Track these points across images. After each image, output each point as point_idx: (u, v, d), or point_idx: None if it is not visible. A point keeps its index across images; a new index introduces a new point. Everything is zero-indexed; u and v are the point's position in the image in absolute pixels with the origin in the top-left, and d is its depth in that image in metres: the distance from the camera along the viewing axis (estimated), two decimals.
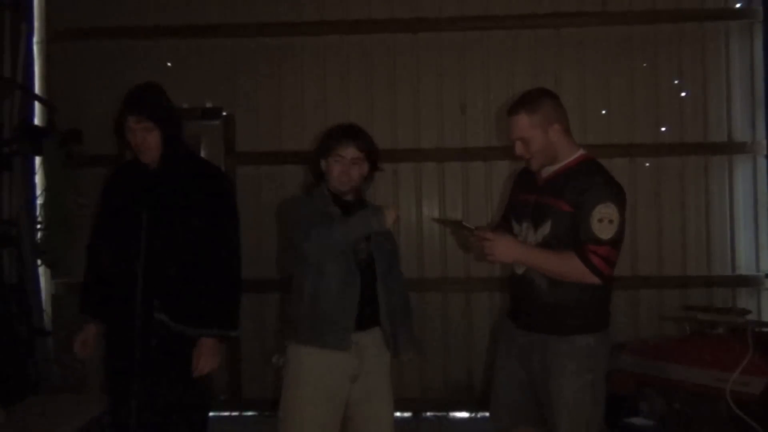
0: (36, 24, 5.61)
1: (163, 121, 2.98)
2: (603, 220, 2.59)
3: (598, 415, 2.77)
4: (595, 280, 2.63)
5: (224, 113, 5.61)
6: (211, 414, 5.47)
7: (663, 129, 5.49)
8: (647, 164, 5.50)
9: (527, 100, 2.80)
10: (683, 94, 5.51)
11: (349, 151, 2.98)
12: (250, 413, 5.51)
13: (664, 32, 5.49)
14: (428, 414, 5.43)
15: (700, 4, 5.49)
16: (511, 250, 2.71)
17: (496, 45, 5.53)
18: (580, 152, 2.81)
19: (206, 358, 2.97)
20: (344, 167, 2.98)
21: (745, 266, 5.47)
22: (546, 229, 2.71)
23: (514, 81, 5.51)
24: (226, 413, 5.52)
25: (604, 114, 5.51)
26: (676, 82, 5.51)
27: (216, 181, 3.11)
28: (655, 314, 5.39)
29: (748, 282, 5.42)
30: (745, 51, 5.49)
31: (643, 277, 5.45)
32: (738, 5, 5.49)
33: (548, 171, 2.82)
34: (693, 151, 5.44)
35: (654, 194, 5.48)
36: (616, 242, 2.63)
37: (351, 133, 3.04)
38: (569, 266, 2.63)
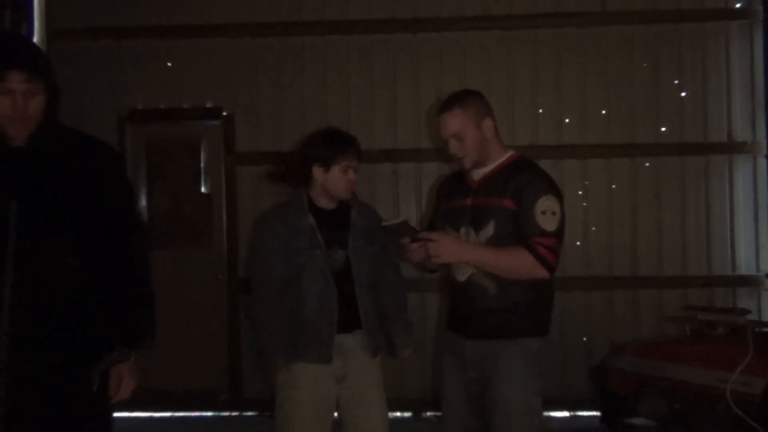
0: (36, 24, 5.61)
1: (51, 83, 2.22)
2: (546, 213, 2.59)
3: (540, 423, 2.70)
4: (544, 272, 2.60)
5: (224, 113, 5.62)
6: (210, 414, 5.54)
7: (663, 129, 5.49)
8: (647, 164, 5.50)
9: (457, 97, 2.77)
10: (683, 94, 5.51)
11: (356, 162, 2.99)
12: (250, 413, 5.50)
13: (664, 32, 5.49)
14: (428, 414, 5.43)
15: (700, 4, 5.49)
16: (458, 250, 2.64)
17: (495, 45, 5.53)
18: (511, 152, 2.79)
19: (128, 380, 2.35)
20: (351, 177, 2.97)
21: (745, 266, 5.46)
22: (489, 230, 2.66)
23: (514, 81, 5.52)
24: (226, 413, 5.53)
25: (604, 114, 5.51)
26: (676, 82, 5.51)
27: (109, 158, 2.37)
28: (655, 314, 5.40)
29: (748, 282, 5.42)
30: (745, 51, 5.49)
31: (643, 277, 5.45)
32: (738, 5, 5.49)
33: (480, 173, 2.76)
34: (693, 151, 5.45)
35: (654, 194, 5.48)
36: (559, 234, 2.62)
37: (353, 142, 3.02)
38: (519, 260, 2.58)
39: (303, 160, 3.02)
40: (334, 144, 2.99)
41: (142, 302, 2.36)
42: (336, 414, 3.05)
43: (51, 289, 2.19)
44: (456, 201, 2.82)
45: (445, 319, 2.94)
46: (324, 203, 3.02)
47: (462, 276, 2.73)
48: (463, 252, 2.65)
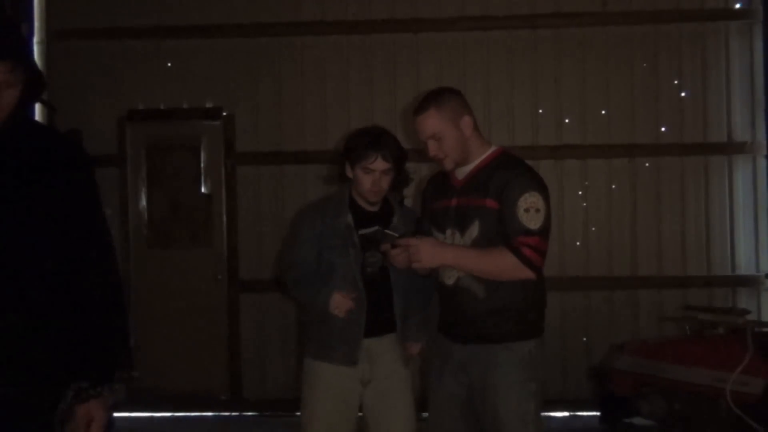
0: (36, 24, 5.62)
1: (34, 70, 1.93)
2: (530, 210, 2.48)
3: (540, 427, 2.62)
4: (529, 273, 2.50)
5: (224, 113, 5.62)
6: (211, 414, 5.54)
7: (663, 129, 5.49)
8: (647, 164, 5.50)
9: (432, 97, 2.65)
10: (683, 94, 5.51)
11: (378, 164, 2.84)
12: (250, 413, 5.50)
13: (664, 32, 5.49)
14: (427, 414, 5.43)
15: (700, 4, 5.49)
16: (438, 253, 2.55)
17: (496, 45, 5.53)
18: (493, 148, 2.69)
19: (99, 417, 1.94)
20: (375, 179, 2.86)
21: (745, 266, 5.46)
22: (474, 231, 2.57)
23: (513, 81, 5.52)
24: (226, 413, 5.52)
25: (604, 114, 5.51)
26: (676, 82, 5.51)
27: (78, 157, 2.03)
28: (655, 314, 5.39)
29: (748, 282, 5.42)
30: (745, 51, 5.49)
31: (643, 277, 5.45)
32: (738, 5, 5.49)
33: (463, 172, 2.67)
34: (693, 151, 5.45)
35: (654, 194, 5.48)
36: (544, 232, 2.51)
37: (378, 144, 2.86)
38: (501, 262, 2.49)
39: (338, 156, 3.00)
40: (357, 142, 2.89)
41: (112, 325, 1.99)
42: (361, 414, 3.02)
43: (9, 303, 1.86)
44: (441, 202, 2.74)
45: (437, 322, 2.84)
46: (363, 203, 2.96)
47: (449, 280, 2.65)
48: (442, 255, 2.56)
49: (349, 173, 2.93)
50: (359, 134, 2.95)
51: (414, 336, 3.03)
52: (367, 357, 2.91)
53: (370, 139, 2.88)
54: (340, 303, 2.80)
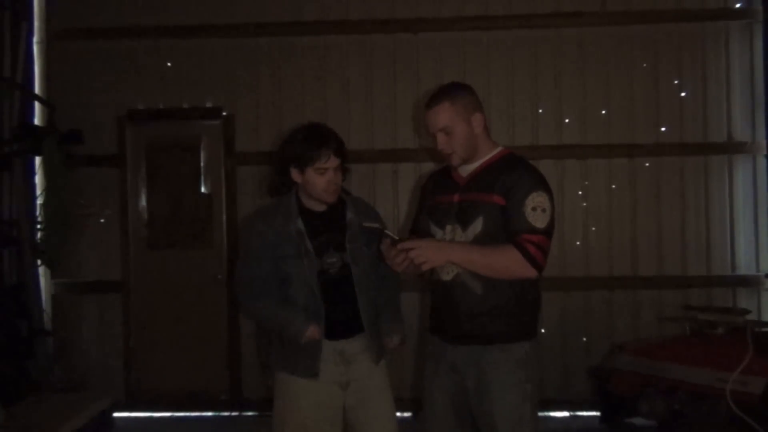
0: (36, 24, 5.62)
1: None
2: (536, 209, 2.50)
3: (536, 428, 2.62)
4: (531, 271, 2.49)
5: (224, 113, 5.62)
6: (210, 414, 5.54)
7: (663, 129, 5.49)
8: (647, 164, 5.50)
9: (447, 91, 2.66)
10: (683, 94, 5.51)
11: (332, 162, 2.76)
12: (250, 413, 5.50)
13: (664, 32, 5.49)
14: None
15: (700, 4, 5.49)
16: (442, 251, 2.53)
17: (496, 45, 5.54)
18: (500, 148, 2.70)
19: None
20: (329, 178, 2.77)
21: (745, 266, 5.46)
22: (477, 226, 2.57)
23: (514, 81, 5.52)
24: (226, 413, 5.53)
25: (604, 114, 5.51)
26: (676, 82, 5.51)
27: None
28: (655, 314, 5.39)
29: (748, 282, 5.41)
30: (745, 51, 5.49)
31: (643, 277, 5.45)
32: (738, 5, 5.49)
33: (468, 169, 2.67)
34: (693, 151, 5.45)
35: (654, 194, 5.48)
36: (548, 232, 2.52)
37: (327, 141, 2.77)
38: (506, 257, 2.48)
39: (280, 161, 2.85)
40: (305, 143, 2.76)
41: None
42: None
43: None
44: (442, 197, 2.72)
45: (428, 321, 2.82)
46: (313, 205, 2.85)
47: (447, 275, 2.63)
48: (449, 253, 2.54)
49: (297, 178, 2.81)
50: (303, 136, 2.80)
51: (389, 329, 2.95)
52: (342, 360, 2.83)
53: (319, 139, 2.77)
54: (312, 335, 2.75)
